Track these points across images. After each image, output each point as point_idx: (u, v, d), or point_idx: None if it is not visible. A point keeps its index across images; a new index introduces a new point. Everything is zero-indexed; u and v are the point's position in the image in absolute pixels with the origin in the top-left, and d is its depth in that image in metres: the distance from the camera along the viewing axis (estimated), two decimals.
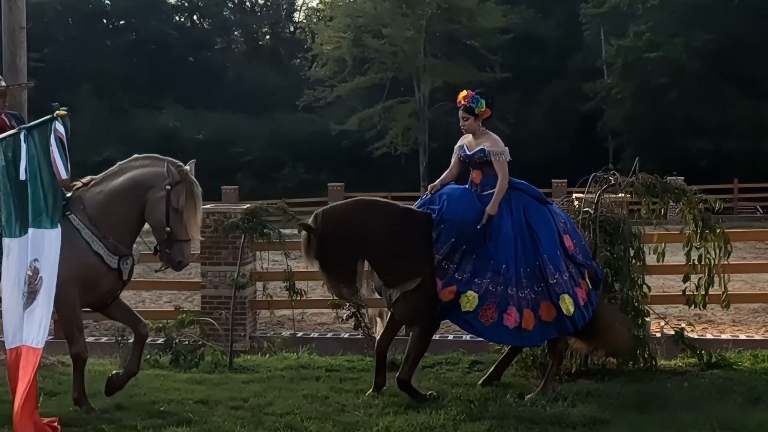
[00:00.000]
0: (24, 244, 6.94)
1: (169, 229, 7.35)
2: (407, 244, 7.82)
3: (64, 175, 7.17)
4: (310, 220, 7.80)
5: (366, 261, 7.89)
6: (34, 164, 7.14)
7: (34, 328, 6.81)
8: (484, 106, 8.03)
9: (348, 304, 9.70)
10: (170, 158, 7.55)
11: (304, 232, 7.72)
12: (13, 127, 7.62)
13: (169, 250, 7.41)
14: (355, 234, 7.71)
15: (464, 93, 8.11)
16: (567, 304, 7.80)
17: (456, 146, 8.24)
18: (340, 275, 7.74)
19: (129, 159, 7.70)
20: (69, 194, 7.62)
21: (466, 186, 8.17)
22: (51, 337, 9.61)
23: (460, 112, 8.09)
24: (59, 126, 7.26)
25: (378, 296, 8.48)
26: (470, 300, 7.65)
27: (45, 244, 6.92)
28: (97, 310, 7.90)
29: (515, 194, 8.03)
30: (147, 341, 8.07)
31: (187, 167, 7.48)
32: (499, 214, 7.85)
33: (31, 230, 6.93)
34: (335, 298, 8.11)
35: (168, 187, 7.34)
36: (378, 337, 8.25)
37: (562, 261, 7.92)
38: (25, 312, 6.85)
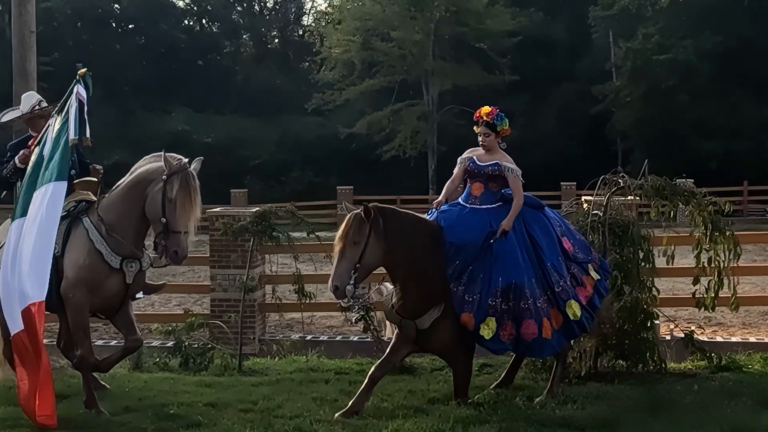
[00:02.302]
0: (20, 225, 7.47)
1: (164, 219, 7.38)
2: (441, 266, 7.73)
3: (72, 135, 7.44)
4: (375, 205, 7.58)
5: (400, 282, 7.73)
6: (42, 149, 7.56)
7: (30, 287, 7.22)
8: (507, 124, 8.03)
9: (357, 307, 9.70)
10: (173, 153, 7.58)
11: (362, 213, 7.47)
12: None
13: (165, 242, 7.43)
14: (407, 249, 7.59)
15: (488, 109, 8.02)
16: (574, 309, 7.85)
17: (461, 157, 8.12)
18: (357, 271, 7.48)
19: (141, 160, 7.80)
20: (94, 198, 7.89)
21: (458, 201, 8.09)
22: None
23: (482, 128, 7.99)
24: (81, 89, 7.54)
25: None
26: (490, 326, 7.62)
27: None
28: (107, 316, 7.94)
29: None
30: (132, 353, 8.36)
31: (186, 160, 7.51)
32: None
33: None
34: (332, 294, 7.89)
35: (164, 177, 7.39)
36: (374, 367, 7.91)
37: (564, 266, 7.95)
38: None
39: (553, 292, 7.79)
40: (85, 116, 7.56)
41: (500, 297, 7.62)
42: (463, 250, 7.68)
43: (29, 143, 8.19)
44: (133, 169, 7.77)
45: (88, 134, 7.57)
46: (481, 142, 8.03)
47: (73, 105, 7.55)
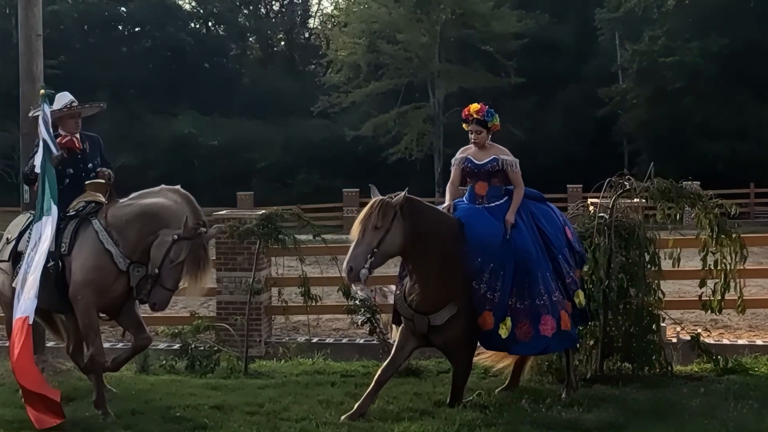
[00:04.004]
0: (38, 227, 7.65)
1: (157, 271, 7.43)
2: (463, 262, 7.70)
3: (55, 151, 7.78)
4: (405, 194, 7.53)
5: (421, 276, 7.65)
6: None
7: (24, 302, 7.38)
8: (498, 120, 8.03)
9: (363, 309, 9.71)
10: (200, 211, 7.58)
11: (393, 199, 7.46)
12: (84, 149, 8.00)
13: (151, 289, 7.49)
14: (432, 241, 7.55)
15: (477, 107, 8.03)
16: (580, 298, 7.99)
17: (456, 158, 8.12)
18: (374, 256, 7.36)
19: (173, 186, 7.81)
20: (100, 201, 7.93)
21: (464, 199, 8.10)
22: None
23: (473, 125, 7.99)
24: (47, 108, 7.78)
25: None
26: (507, 326, 7.63)
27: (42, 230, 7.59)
28: (112, 316, 7.97)
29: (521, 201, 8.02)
30: (144, 351, 8.37)
31: (203, 229, 7.51)
32: (516, 227, 7.81)
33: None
34: (344, 278, 7.80)
35: (175, 236, 7.40)
36: (381, 370, 7.89)
37: (570, 256, 8.03)
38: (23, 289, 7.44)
39: (564, 284, 7.86)
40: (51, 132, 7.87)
41: (516, 296, 7.63)
42: (484, 248, 7.66)
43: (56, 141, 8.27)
44: (160, 189, 7.77)
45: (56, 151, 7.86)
46: (473, 140, 8.03)
47: (41, 125, 7.84)
